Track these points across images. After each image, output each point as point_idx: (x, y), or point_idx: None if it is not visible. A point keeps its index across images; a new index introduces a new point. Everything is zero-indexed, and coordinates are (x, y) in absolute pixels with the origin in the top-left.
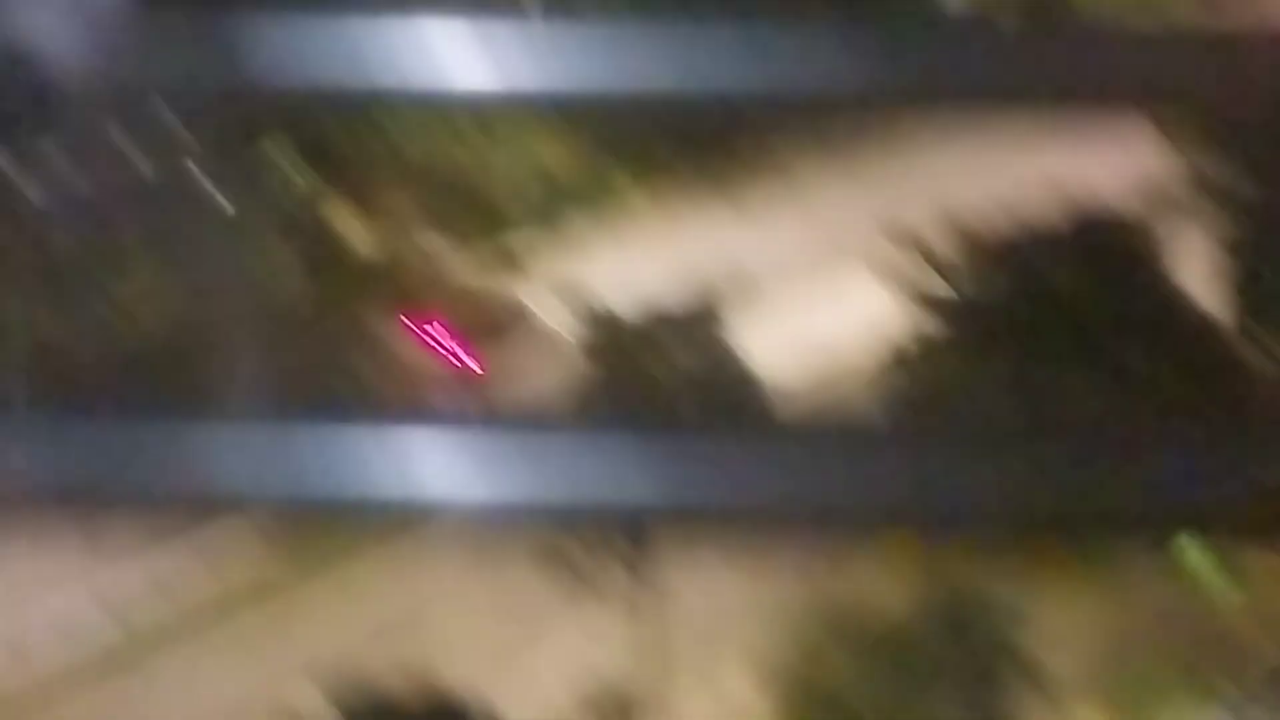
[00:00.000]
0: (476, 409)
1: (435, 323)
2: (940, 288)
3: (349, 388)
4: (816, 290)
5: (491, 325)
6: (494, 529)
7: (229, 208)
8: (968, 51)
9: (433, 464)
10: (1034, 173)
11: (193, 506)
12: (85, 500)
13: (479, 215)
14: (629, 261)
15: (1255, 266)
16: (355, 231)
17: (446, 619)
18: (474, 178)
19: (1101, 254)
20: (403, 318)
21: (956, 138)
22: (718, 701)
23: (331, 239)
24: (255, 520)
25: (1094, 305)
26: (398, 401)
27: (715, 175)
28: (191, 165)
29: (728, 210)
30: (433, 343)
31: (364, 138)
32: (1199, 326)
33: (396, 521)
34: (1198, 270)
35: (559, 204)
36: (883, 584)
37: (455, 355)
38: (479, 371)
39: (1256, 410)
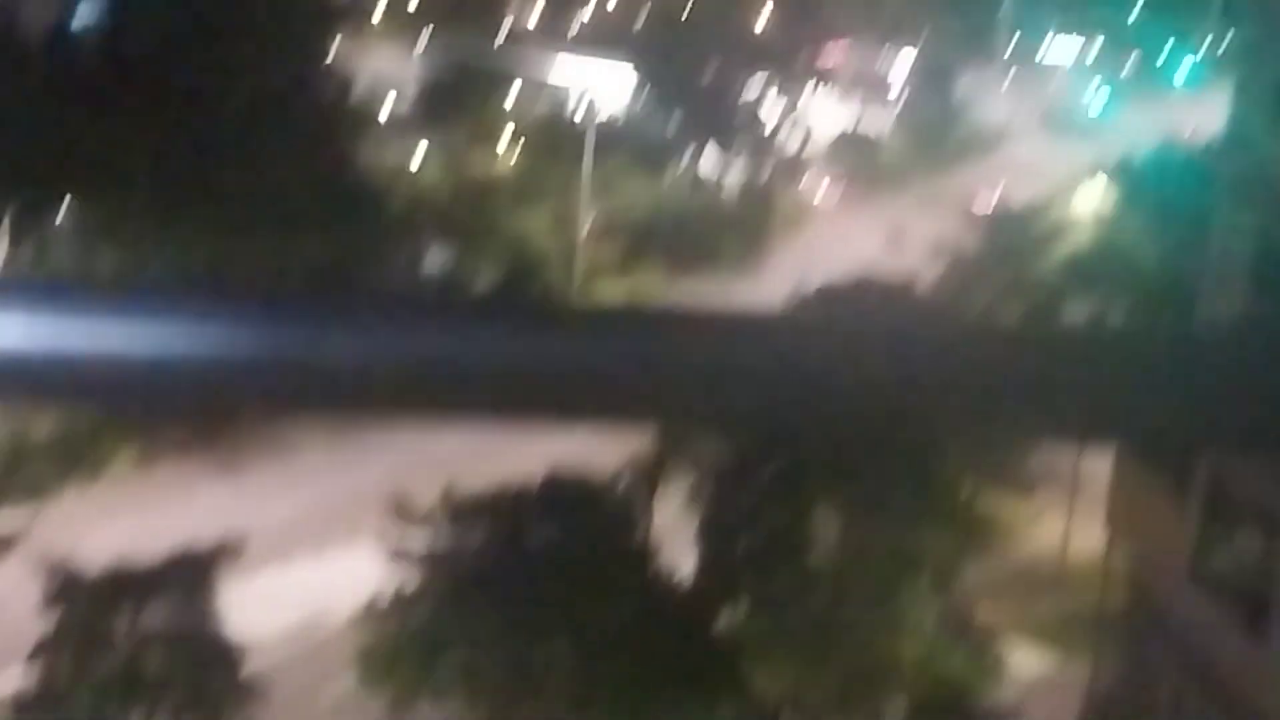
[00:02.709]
0: None
1: None
2: (426, 548)
3: None
4: (307, 552)
5: None
6: None
7: None
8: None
9: None
10: (531, 447)
11: None
12: None
13: None
14: (115, 525)
15: (726, 529)
16: None
17: None
18: None
19: (580, 516)
20: None
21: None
22: None
23: None
24: None
25: (570, 563)
26: None
27: (209, 442)
28: None
29: (221, 475)
30: None
31: None
32: (665, 586)
33: None
34: (674, 533)
35: (46, 472)
36: None
37: None
38: None
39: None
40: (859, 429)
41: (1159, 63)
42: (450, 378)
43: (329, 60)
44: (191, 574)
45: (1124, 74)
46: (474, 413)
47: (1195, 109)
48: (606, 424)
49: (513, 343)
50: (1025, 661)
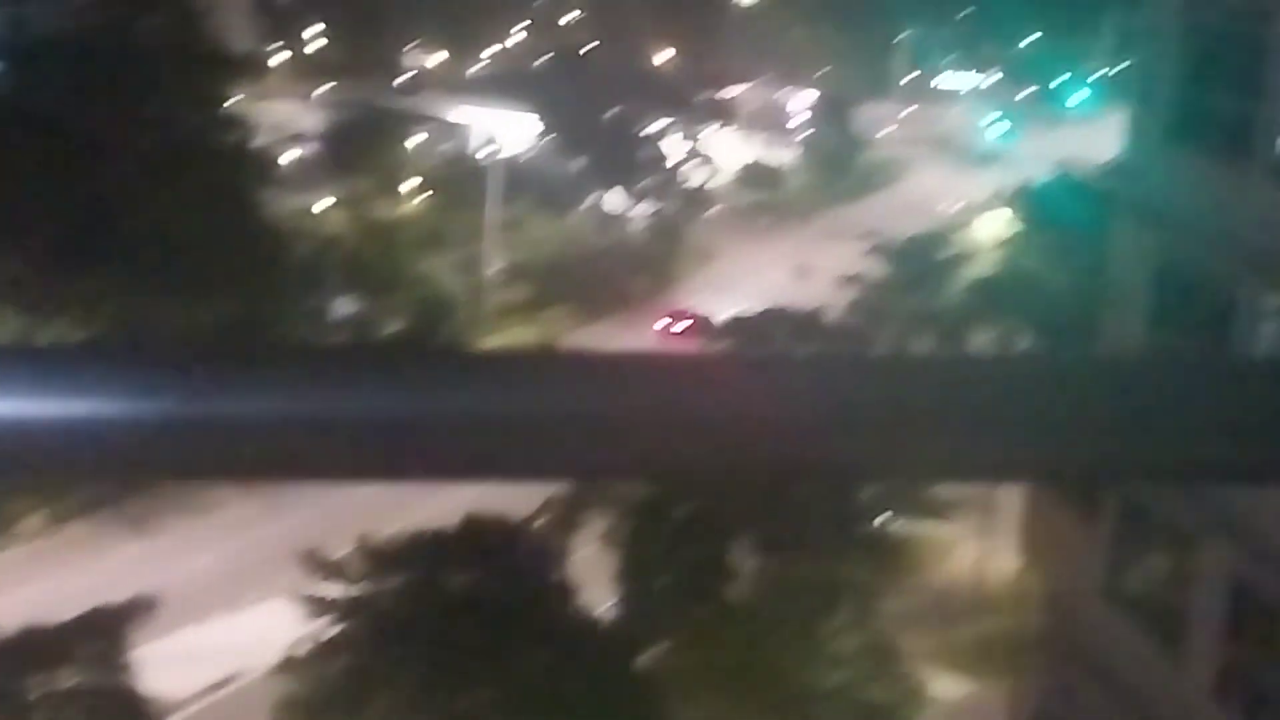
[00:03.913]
0: None
1: None
2: (343, 598)
3: None
4: (222, 608)
5: None
6: None
7: None
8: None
9: None
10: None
11: None
12: None
13: None
14: (26, 587)
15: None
16: None
17: None
18: None
19: (498, 559)
20: None
21: None
22: None
23: None
24: None
25: (489, 606)
26: None
27: (120, 500)
28: None
29: (132, 533)
30: None
31: None
32: (586, 626)
33: None
34: (593, 572)
35: None
36: None
37: None
38: None
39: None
40: (773, 471)
41: (1054, 91)
42: (359, 434)
43: (229, 109)
44: (106, 634)
45: (1020, 103)
46: (386, 470)
47: (1091, 135)
48: (517, 479)
49: (421, 395)
50: (946, 688)
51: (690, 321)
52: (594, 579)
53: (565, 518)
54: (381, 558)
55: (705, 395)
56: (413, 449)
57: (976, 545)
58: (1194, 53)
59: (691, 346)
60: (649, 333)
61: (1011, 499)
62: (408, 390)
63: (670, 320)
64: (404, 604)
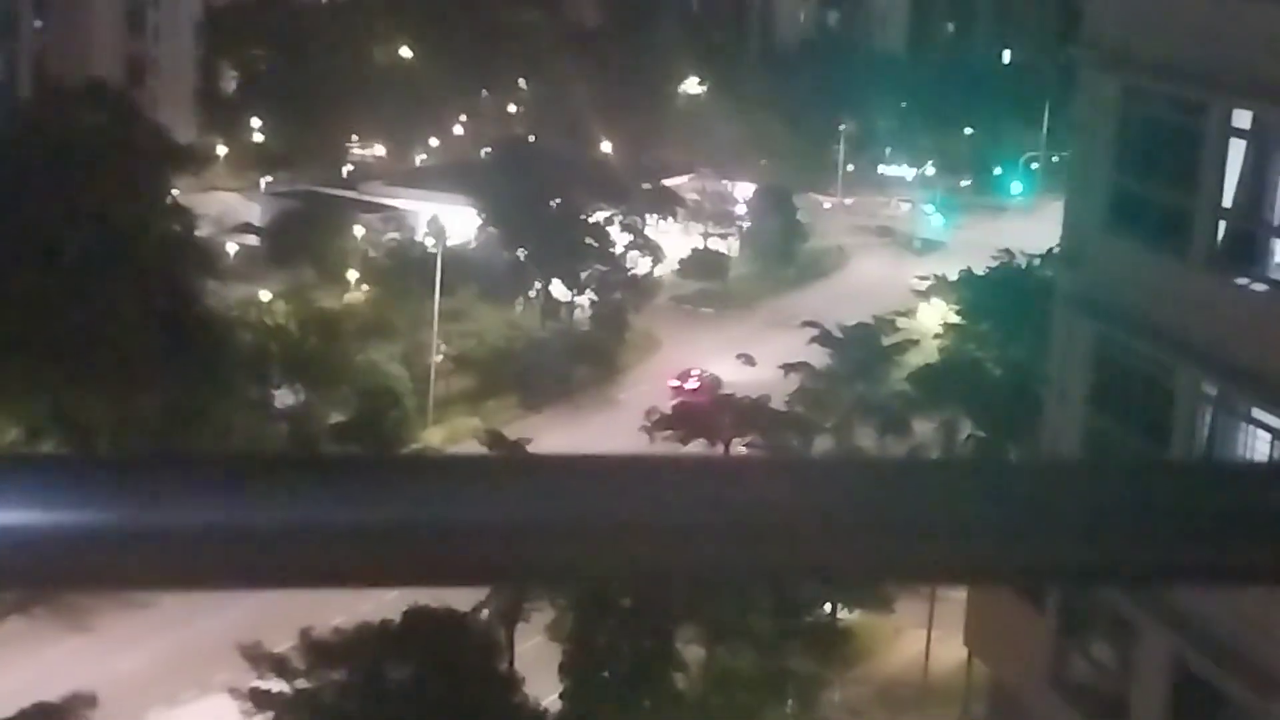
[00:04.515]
0: None
1: None
2: (287, 692)
3: None
4: (161, 704)
5: None
6: None
7: None
8: None
9: None
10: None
11: None
12: None
13: None
14: None
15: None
16: None
17: None
18: None
19: (443, 651)
20: None
21: None
22: None
23: None
24: None
25: (434, 698)
26: None
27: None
28: None
29: (69, 630)
30: None
31: None
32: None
33: None
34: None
35: None
36: None
37: None
38: None
39: None
40: (717, 574)
41: (993, 181)
42: (299, 541)
43: (173, 200)
44: None
45: (959, 192)
46: (324, 576)
47: (1029, 224)
48: (457, 584)
49: (354, 504)
50: None
51: (698, 381)
52: (540, 671)
53: (510, 609)
54: (324, 651)
55: (653, 498)
56: (349, 556)
57: (921, 635)
58: (1131, 143)
59: (701, 402)
60: (592, 422)
61: (956, 589)
62: (342, 498)
63: (680, 381)
64: (348, 698)
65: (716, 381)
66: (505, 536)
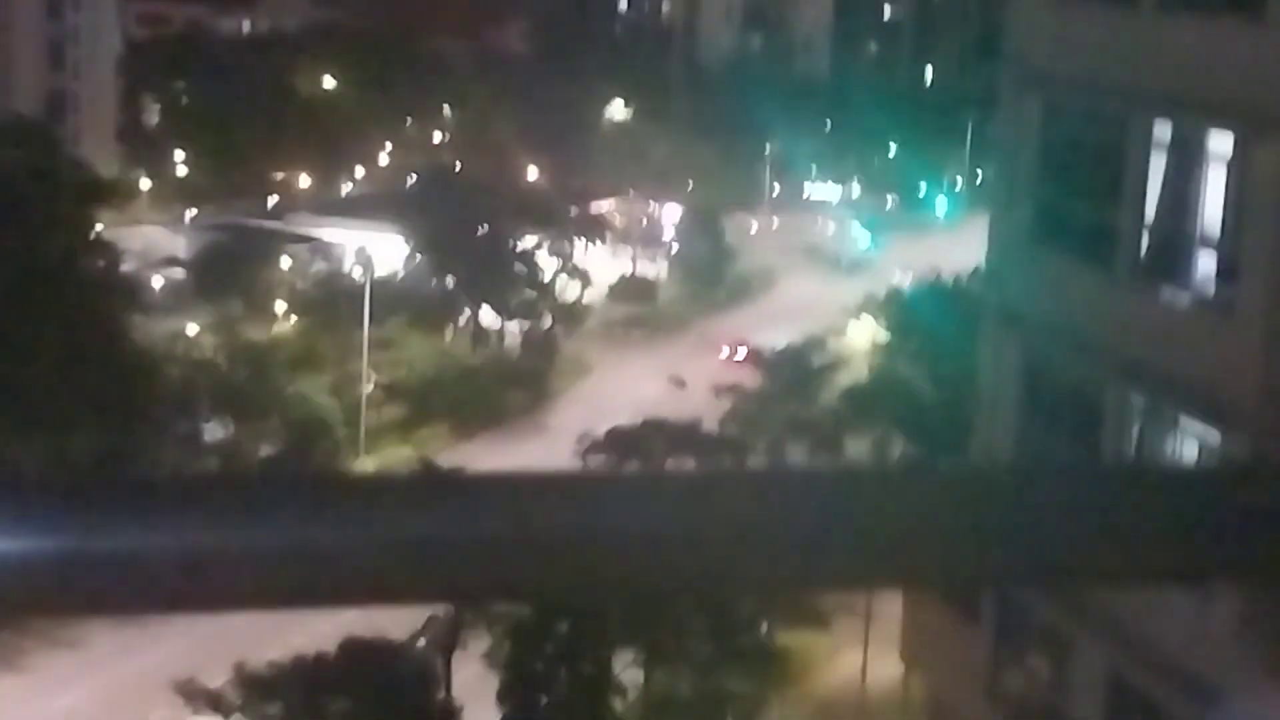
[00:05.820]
0: None
1: None
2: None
3: None
4: None
5: None
6: None
7: None
8: None
9: None
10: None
11: None
12: None
13: None
14: None
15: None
16: None
17: None
18: None
19: (380, 681)
20: None
21: None
22: None
23: None
24: None
25: None
26: None
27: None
28: None
29: (6, 669)
30: None
31: None
32: None
33: None
34: (475, 692)
35: None
36: None
37: None
38: None
39: None
40: (652, 587)
41: (919, 200)
42: (236, 564)
43: (96, 235)
44: None
45: (886, 212)
46: (263, 599)
47: (956, 242)
48: (395, 603)
49: (291, 525)
50: None
51: (746, 351)
52: (478, 699)
53: (446, 638)
54: (260, 685)
55: (586, 515)
56: (287, 576)
57: (857, 652)
58: (1054, 158)
59: (749, 374)
60: (525, 448)
61: (891, 605)
62: (274, 520)
63: (730, 350)
64: None
65: (761, 354)
66: (469, 554)
